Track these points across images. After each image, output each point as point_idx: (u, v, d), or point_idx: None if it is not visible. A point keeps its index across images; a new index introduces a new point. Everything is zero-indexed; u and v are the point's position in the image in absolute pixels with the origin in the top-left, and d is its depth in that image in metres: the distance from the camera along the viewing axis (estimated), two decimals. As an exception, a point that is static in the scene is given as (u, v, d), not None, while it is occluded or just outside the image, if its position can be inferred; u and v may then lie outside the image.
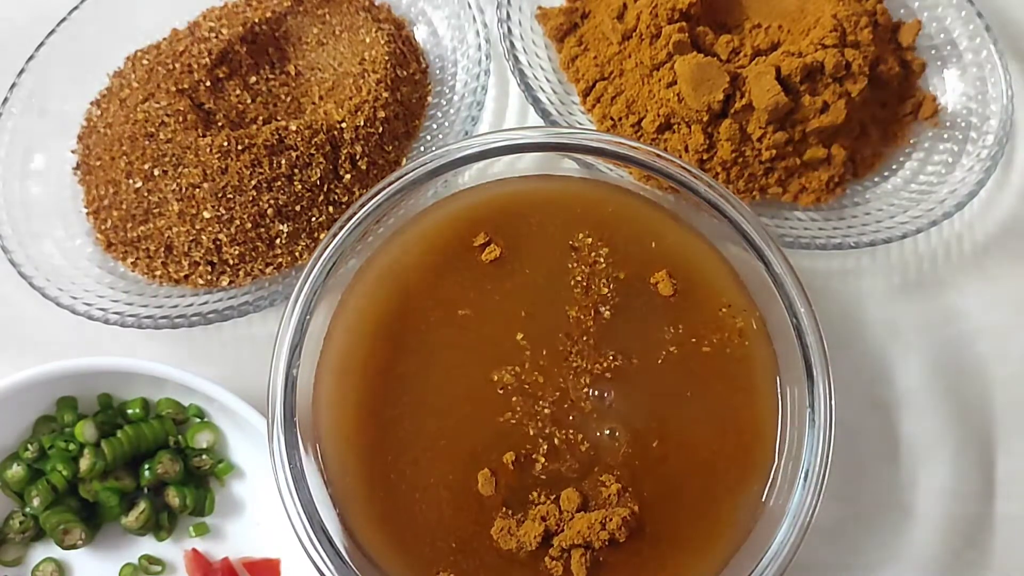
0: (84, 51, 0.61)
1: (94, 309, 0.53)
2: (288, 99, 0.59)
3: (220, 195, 0.52)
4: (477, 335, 0.44)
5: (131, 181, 0.54)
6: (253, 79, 0.59)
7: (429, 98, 0.61)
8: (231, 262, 0.54)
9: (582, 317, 0.44)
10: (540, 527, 0.41)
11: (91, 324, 0.52)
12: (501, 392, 0.43)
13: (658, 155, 0.44)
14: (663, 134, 0.55)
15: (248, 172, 0.52)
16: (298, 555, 0.41)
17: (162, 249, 0.55)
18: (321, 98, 0.58)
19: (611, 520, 0.40)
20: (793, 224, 0.56)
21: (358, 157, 0.55)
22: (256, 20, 0.59)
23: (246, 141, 0.53)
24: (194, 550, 0.52)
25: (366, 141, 0.56)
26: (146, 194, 0.54)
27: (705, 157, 0.54)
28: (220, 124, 0.55)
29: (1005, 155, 0.58)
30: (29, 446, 0.51)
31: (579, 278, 0.44)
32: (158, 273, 0.55)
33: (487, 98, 0.59)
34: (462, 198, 0.47)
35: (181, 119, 0.54)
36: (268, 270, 0.55)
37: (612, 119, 0.57)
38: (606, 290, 0.44)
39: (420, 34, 0.63)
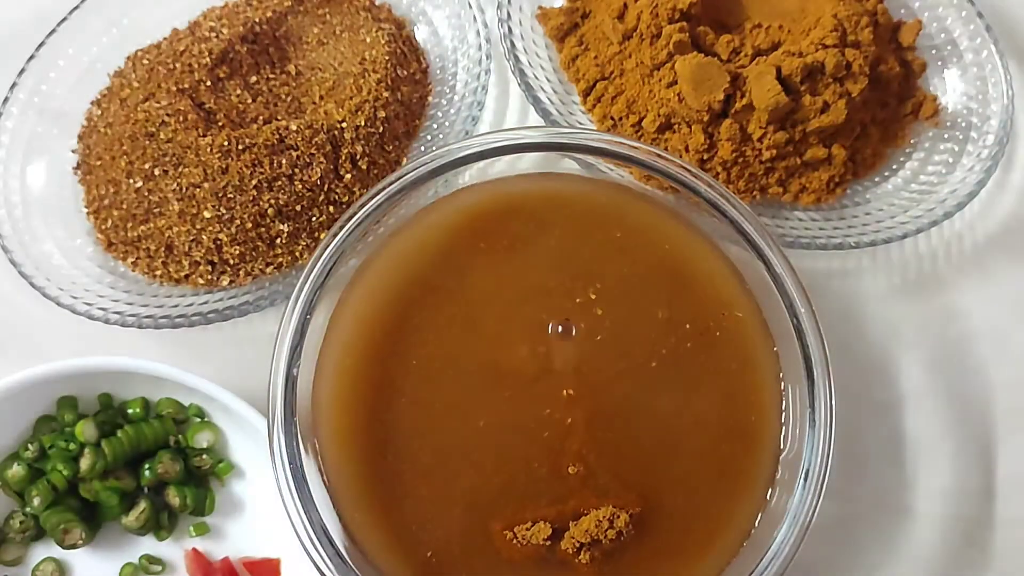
0: (84, 51, 0.61)
1: (94, 309, 0.53)
2: (288, 99, 0.58)
3: (220, 195, 0.52)
4: (477, 335, 0.44)
5: (131, 181, 0.54)
6: (254, 79, 0.59)
7: (429, 98, 0.61)
8: (231, 262, 0.54)
9: (582, 318, 0.44)
10: (547, 528, 0.41)
11: (91, 324, 0.52)
12: (502, 393, 0.43)
13: (659, 155, 0.44)
14: (664, 134, 0.55)
15: (248, 172, 0.52)
16: (298, 555, 0.41)
17: (162, 249, 0.55)
18: (321, 98, 0.58)
19: (619, 517, 0.40)
20: (793, 224, 0.56)
21: (358, 157, 0.55)
22: (257, 20, 0.59)
23: (247, 141, 0.53)
24: (194, 550, 0.52)
25: (367, 141, 0.56)
26: (146, 194, 0.54)
27: (705, 157, 0.54)
28: (221, 124, 0.55)
29: (1005, 155, 0.58)
30: (29, 446, 0.51)
31: (579, 278, 0.44)
32: (158, 273, 0.55)
33: (487, 98, 0.59)
34: (462, 197, 0.47)
35: (181, 119, 0.54)
36: (268, 270, 0.55)
37: (612, 119, 0.57)
38: (606, 292, 0.44)
39: (421, 34, 0.63)
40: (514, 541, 0.41)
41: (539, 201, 0.47)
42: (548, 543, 0.41)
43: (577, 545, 0.40)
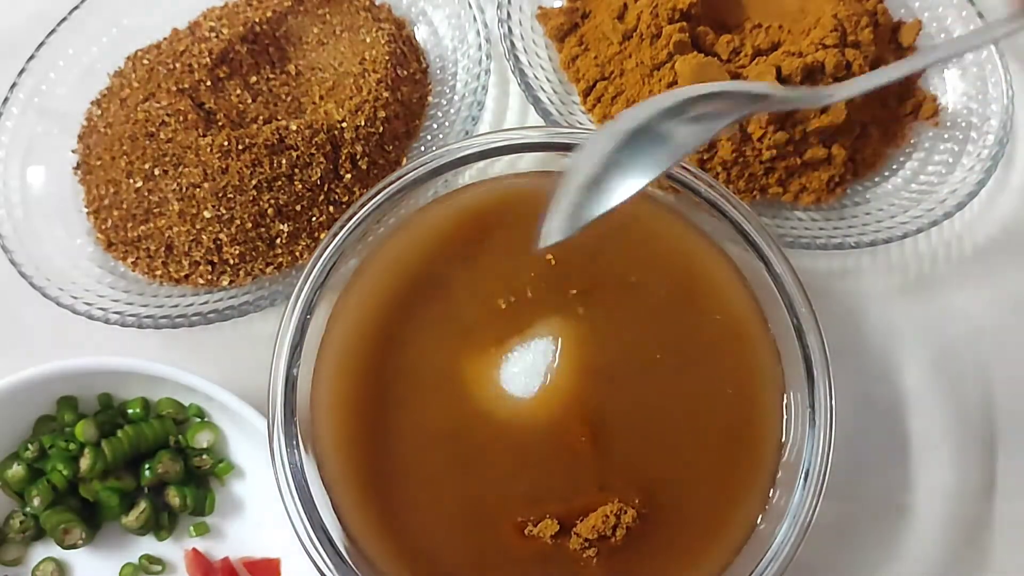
0: (84, 51, 0.61)
1: (94, 309, 0.53)
2: (288, 99, 0.59)
3: (220, 195, 0.52)
4: (477, 334, 0.44)
5: (131, 181, 0.54)
6: (253, 79, 0.59)
7: (429, 98, 0.61)
8: (231, 262, 0.54)
9: (584, 317, 0.44)
10: (554, 524, 0.41)
11: (91, 324, 0.52)
12: (503, 395, 0.43)
13: (658, 155, 0.44)
14: (663, 134, 0.55)
15: (248, 172, 0.52)
16: (298, 555, 0.41)
17: (162, 249, 0.55)
18: (321, 98, 0.58)
19: (626, 513, 0.40)
20: (793, 224, 0.56)
21: (358, 157, 0.55)
22: (256, 20, 0.59)
23: (247, 141, 0.53)
24: (194, 550, 0.52)
25: (366, 141, 0.56)
26: (146, 194, 0.54)
27: (705, 157, 0.54)
28: (221, 124, 0.55)
29: (1005, 155, 0.58)
30: (29, 446, 0.51)
31: (580, 278, 0.44)
32: (158, 273, 0.55)
33: (487, 98, 0.59)
34: (462, 197, 0.47)
35: (181, 119, 0.54)
36: (268, 270, 0.55)
37: (613, 119, 0.57)
38: (607, 290, 0.44)
39: (420, 34, 0.63)
40: (520, 538, 0.41)
41: (539, 201, 0.47)
42: (555, 540, 0.41)
43: (584, 542, 0.40)
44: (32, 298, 0.53)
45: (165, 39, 0.60)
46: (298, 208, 0.54)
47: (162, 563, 0.52)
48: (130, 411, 0.52)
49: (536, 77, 0.58)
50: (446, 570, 0.42)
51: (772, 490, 0.43)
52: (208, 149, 0.52)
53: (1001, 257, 0.60)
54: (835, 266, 0.59)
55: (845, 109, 0.53)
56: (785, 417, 0.44)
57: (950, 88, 0.61)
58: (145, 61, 0.58)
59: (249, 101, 0.57)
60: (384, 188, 0.44)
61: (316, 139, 0.54)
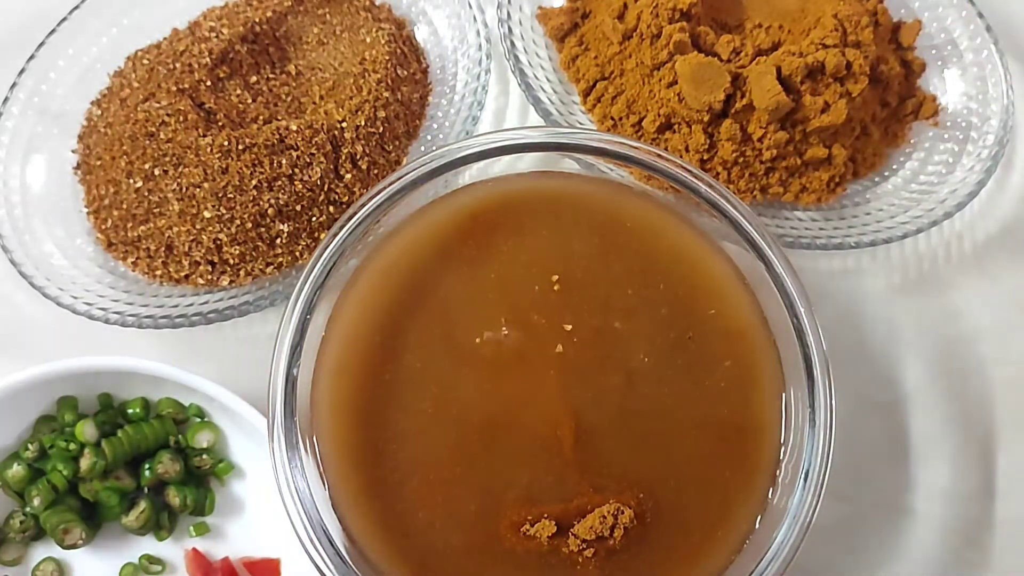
0: (84, 51, 0.61)
1: (94, 309, 0.53)
2: (289, 99, 0.59)
3: (221, 195, 0.52)
4: (477, 334, 0.44)
5: (131, 181, 0.54)
6: (254, 79, 0.59)
7: (430, 98, 0.61)
8: (231, 262, 0.54)
9: (583, 317, 0.44)
10: (551, 525, 0.40)
11: (91, 324, 0.52)
12: (502, 393, 0.43)
13: (659, 155, 0.44)
14: (664, 134, 0.55)
15: (249, 172, 0.52)
16: (298, 555, 0.41)
17: (162, 249, 0.55)
18: (322, 98, 0.58)
19: (623, 514, 0.40)
20: (793, 224, 0.56)
21: (359, 157, 0.55)
22: (257, 20, 0.59)
23: (247, 141, 0.53)
24: (194, 550, 0.52)
25: (367, 141, 0.56)
26: (146, 194, 0.54)
27: (706, 157, 0.54)
28: (221, 124, 0.55)
29: (1005, 155, 0.58)
30: (29, 446, 0.51)
31: (580, 278, 0.44)
32: (158, 273, 0.55)
33: (487, 98, 0.59)
34: (462, 197, 0.47)
35: (182, 119, 0.54)
36: (268, 270, 0.55)
37: (613, 119, 0.57)
38: (606, 291, 0.44)
39: (421, 34, 0.63)
40: (517, 539, 0.41)
41: (539, 201, 0.47)
42: (552, 541, 0.41)
43: (581, 543, 0.40)
44: (32, 298, 0.53)
45: (165, 39, 0.60)
46: (298, 208, 0.54)
47: (162, 563, 0.52)
48: (130, 411, 0.52)
49: (536, 77, 0.58)
50: (445, 570, 0.42)
51: (772, 490, 0.43)
52: (208, 149, 0.52)
53: (1001, 257, 0.60)
54: (835, 266, 0.59)
55: (845, 109, 0.53)
56: (785, 417, 0.44)
57: (950, 88, 0.61)
58: (145, 61, 0.58)
59: (249, 101, 0.57)
60: (384, 188, 0.44)
61: (316, 139, 0.54)
